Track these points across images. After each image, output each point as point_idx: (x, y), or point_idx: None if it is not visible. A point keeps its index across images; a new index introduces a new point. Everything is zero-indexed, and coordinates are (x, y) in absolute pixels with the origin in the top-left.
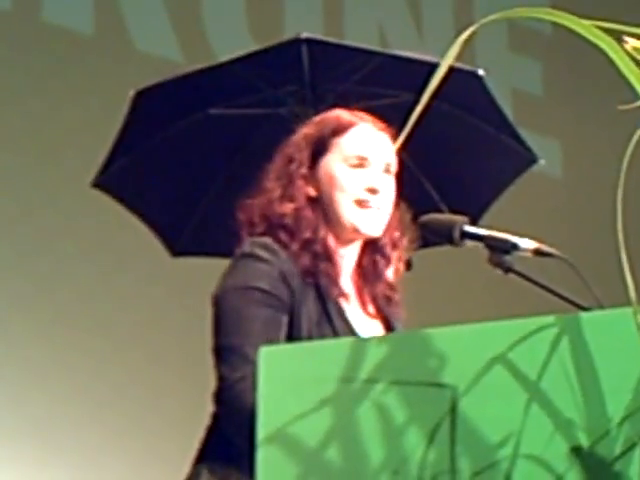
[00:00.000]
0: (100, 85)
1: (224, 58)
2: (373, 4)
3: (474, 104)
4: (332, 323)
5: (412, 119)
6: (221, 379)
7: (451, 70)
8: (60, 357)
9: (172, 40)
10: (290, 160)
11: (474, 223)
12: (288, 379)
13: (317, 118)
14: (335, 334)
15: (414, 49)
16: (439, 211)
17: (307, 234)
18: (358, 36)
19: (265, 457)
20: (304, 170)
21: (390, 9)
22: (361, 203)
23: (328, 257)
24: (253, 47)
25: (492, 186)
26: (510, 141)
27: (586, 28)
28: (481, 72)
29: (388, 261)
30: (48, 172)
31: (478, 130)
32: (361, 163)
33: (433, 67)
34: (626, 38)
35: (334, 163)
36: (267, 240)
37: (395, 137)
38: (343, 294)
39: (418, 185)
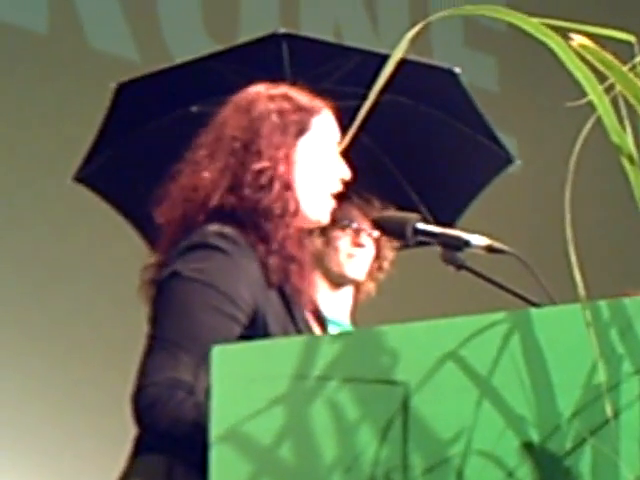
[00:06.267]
0: (55, 84)
1: (186, 56)
2: (329, 1)
3: (451, 103)
4: (299, 330)
5: (360, 116)
6: (141, 374)
7: (426, 67)
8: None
9: (128, 38)
10: (251, 139)
11: (452, 225)
12: (241, 377)
13: (272, 93)
14: None
15: (370, 46)
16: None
17: (283, 230)
18: (314, 34)
19: (218, 456)
20: (286, 151)
21: (346, 6)
22: (333, 192)
23: (299, 259)
24: (209, 44)
25: (470, 188)
26: (487, 142)
27: (534, 26)
28: (457, 70)
29: None
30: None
31: (456, 131)
32: (332, 149)
33: (413, 66)
34: (572, 35)
35: (316, 147)
36: (231, 231)
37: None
38: (310, 301)
39: (398, 187)
